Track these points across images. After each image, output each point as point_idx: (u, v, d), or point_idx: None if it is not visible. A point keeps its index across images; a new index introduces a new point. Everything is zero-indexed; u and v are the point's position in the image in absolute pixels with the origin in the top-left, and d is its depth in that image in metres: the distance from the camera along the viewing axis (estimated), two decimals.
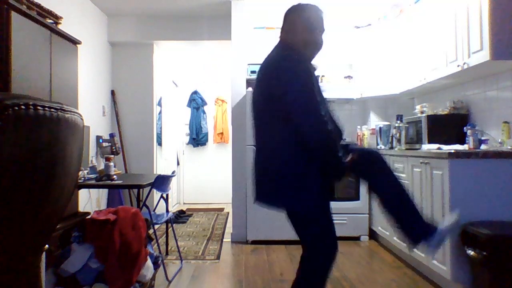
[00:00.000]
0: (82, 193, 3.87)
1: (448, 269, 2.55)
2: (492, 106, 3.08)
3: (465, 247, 2.39)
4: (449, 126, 3.32)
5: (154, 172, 5.05)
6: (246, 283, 2.95)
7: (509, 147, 2.76)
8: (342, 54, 4.56)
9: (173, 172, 3.96)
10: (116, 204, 4.46)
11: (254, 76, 4.44)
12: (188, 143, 7.21)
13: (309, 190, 1.81)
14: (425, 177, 2.87)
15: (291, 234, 4.41)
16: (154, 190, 3.09)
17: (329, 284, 2.89)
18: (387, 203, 1.94)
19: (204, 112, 7.22)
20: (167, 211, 3.54)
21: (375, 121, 4.69)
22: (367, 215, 4.16)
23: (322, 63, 4.21)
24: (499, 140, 2.89)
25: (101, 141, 4.50)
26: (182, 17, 4.94)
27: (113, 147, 4.64)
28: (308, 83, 1.75)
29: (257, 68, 4.60)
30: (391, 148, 4.03)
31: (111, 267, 2.25)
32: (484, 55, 2.63)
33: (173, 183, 5.70)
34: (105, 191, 4.69)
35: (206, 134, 7.18)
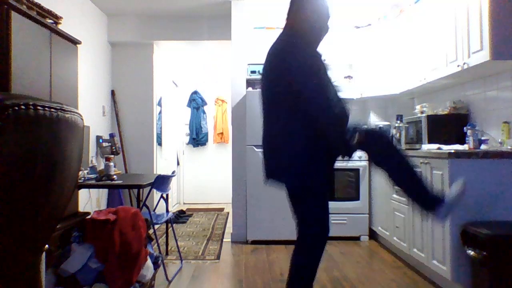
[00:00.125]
0: (82, 193, 3.87)
1: (448, 269, 2.55)
2: (492, 106, 3.08)
3: (465, 247, 2.39)
4: (449, 126, 3.32)
5: (154, 172, 5.05)
6: (246, 283, 2.95)
7: (509, 147, 2.76)
8: (342, 54, 4.56)
9: (173, 172, 3.96)
10: (116, 204, 4.46)
11: (254, 76, 4.45)
12: (188, 143, 7.21)
13: (314, 168, 1.90)
14: (425, 177, 2.87)
15: (291, 234, 4.41)
16: (154, 190, 3.09)
17: (329, 284, 2.89)
18: (393, 178, 2.01)
19: (204, 112, 7.22)
20: (167, 211, 3.54)
21: (375, 121, 4.69)
22: (367, 215, 4.16)
23: None
24: (499, 140, 2.89)
25: (101, 141, 4.50)
26: (182, 17, 4.94)
27: (113, 147, 4.64)
28: (314, 67, 1.83)
29: (257, 68, 4.65)
30: None
31: (111, 267, 2.25)
32: (484, 55, 2.63)
33: (173, 183, 5.71)
34: (105, 191, 4.69)
35: (206, 134, 7.19)
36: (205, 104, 7.22)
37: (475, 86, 3.30)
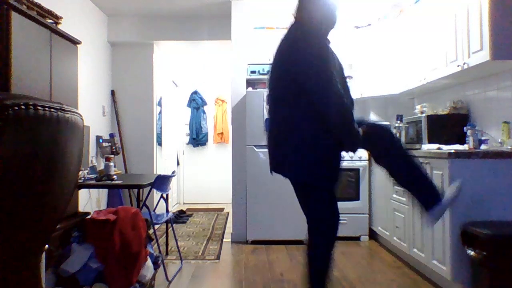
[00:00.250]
0: (82, 193, 3.87)
1: (448, 269, 2.55)
2: (492, 106, 3.08)
3: (465, 247, 2.39)
4: (449, 126, 3.32)
5: (154, 172, 5.05)
6: (246, 283, 2.95)
7: (509, 147, 2.76)
8: (342, 54, 4.54)
9: (173, 172, 3.96)
10: (116, 204, 4.46)
11: (254, 76, 4.45)
12: (188, 143, 7.21)
13: (323, 162, 1.91)
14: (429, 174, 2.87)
15: (291, 234, 4.41)
16: (154, 190, 3.09)
17: (329, 284, 2.88)
18: (394, 173, 2.02)
19: (204, 112, 7.22)
20: (167, 211, 3.54)
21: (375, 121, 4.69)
22: (367, 215, 4.16)
23: None
24: (499, 140, 2.89)
25: (101, 141, 4.50)
26: (182, 17, 4.94)
27: (113, 147, 4.64)
28: (324, 60, 1.83)
29: (257, 68, 4.65)
30: None
31: (111, 267, 2.25)
32: (484, 55, 2.63)
33: (173, 183, 5.71)
34: (105, 191, 4.69)
35: (206, 134, 7.19)
36: (205, 104, 7.22)
37: (475, 86, 3.29)
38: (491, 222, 2.43)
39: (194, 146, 7.20)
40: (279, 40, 2.03)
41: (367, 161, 4.18)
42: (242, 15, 4.45)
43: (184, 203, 7.09)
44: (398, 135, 3.88)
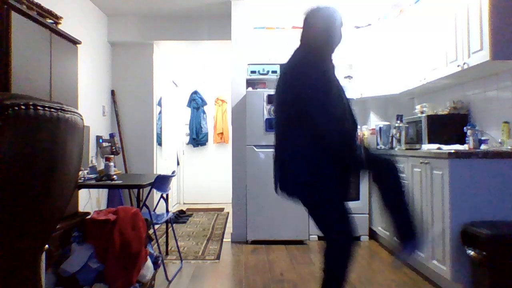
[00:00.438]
0: (82, 193, 3.87)
1: (448, 269, 2.55)
2: (492, 106, 3.08)
3: (465, 247, 2.39)
4: (449, 126, 3.32)
5: (154, 172, 5.05)
6: (246, 283, 2.95)
7: (509, 147, 2.76)
8: (342, 54, 4.55)
9: (173, 172, 3.96)
10: (116, 204, 4.46)
11: (254, 76, 4.46)
12: (188, 143, 7.21)
13: (324, 183, 1.94)
14: (425, 177, 2.87)
15: (291, 234, 4.40)
16: (154, 190, 3.09)
17: None
18: (387, 206, 2.05)
19: (204, 112, 7.22)
20: (167, 211, 3.54)
21: (375, 121, 4.69)
22: (367, 215, 4.16)
23: None
24: (499, 140, 2.88)
25: (101, 141, 4.50)
26: (182, 17, 4.94)
27: (113, 147, 4.64)
28: (322, 86, 1.88)
29: (257, 68, 4.66)
30: (391, 148, 4.04)
31: (111, 267, 2.25)
32: (484, 55, 2.63)
33: (173, 183, 5.71)
34: (105, 191, 4.69)
35: (206, 134, 7.19)
36: (205, 104, 7.22)
37: (475, 86, 3.29)
38: (491, 222, 2.43)
39: (194, 146, 7.19)
40: (285, 64, 2.08)
41: None
42: (242, 15, 4.45)
43: (184, 203, 7.09)
44: (398, 135, 3.88)
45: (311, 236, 4.15)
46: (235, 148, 4.41)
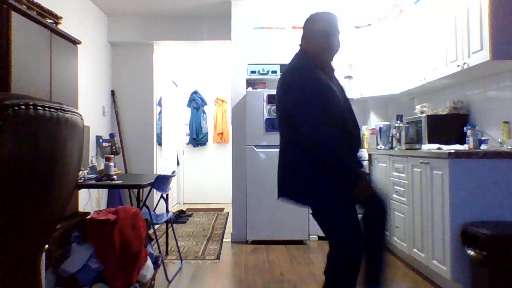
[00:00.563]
0: (82, 193, 3.87)
1: (448, 269, 2.55)
2: (492, 106, 3.08)
3: (465, 247, 2.39)
4: (449, 126, 3.32)
5: (154, 172, 5.05)
6: (246, 283, 2.95)
7: (509, 147, 2.76)
8: (342, 54, 4.54)
9: (173, 172, 3.96)
10: (116, 204, 4.46)
11: (254, 76, 4.46)
12: (188, 143, 7.21)
13: (320, 190, 1.92)
14: (425, 177, 2.87)
15: (291, 234, 4.40)
16: (154, 190, 3.09)
17: None
18: (369, 248, 2.01)
19: (204, 112, 7.22)
20: (167, 211, 3.54)
21: (375, 121, 4.69)
22: None
23: None
24: (499, 140, 2.89)
25: (101, 141, 4.50)
26: (182, 17, 4.94)
27: (113, 147, 4.64)
28: (312, 95, 1.86)
29: (257, 68, 4.65)
30: (391, 148, 4.04)
31: (111, 267, 2.25)
32: (484, 55, 2.63)
33: (173, 183, 5.70)
34: (105, 191, 4.69)
35: (206, 134, 7.18)
36: (205, 104, 7.22)
37: (475, 86, 3.29)
38: (491, 222, 2.43)
39: (194, 146, 7.19)
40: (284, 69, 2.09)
41: (367, 161, 4.18)
42: (242, 15, 4.45)
43: (184, 203, 7.09)
44: (398, 135, 3.88)
45: (311, 236, 4.15)
46: (235, 148, 4.41)
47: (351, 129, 2.00)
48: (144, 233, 2.50)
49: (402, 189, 3.30)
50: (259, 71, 4.43)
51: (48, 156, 0.74)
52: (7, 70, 2.34)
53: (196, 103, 7.16)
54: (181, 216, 5.57)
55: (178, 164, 6.96)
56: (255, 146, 4.17)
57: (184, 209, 6.22)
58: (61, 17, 3.07)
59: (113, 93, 5.03)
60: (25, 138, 0.66)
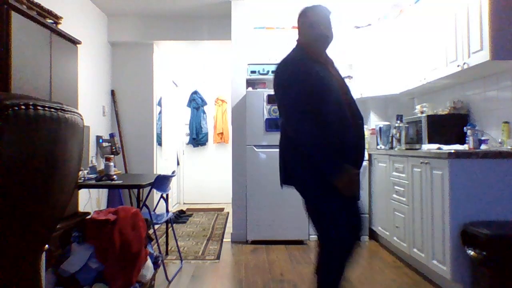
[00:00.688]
0: (82, 193, 3.87)
1: (448, 269, 2.55)
2: (492, 106, 3.08)
3: (465, 247, 2.39)
4: (449, 126, 3.32)
5: (154, 172, 5.05)
6: (246, 283, 2.95)
7: (509, 147, 2.76)
8: (342, 54, 4.56)
9: (173, 172, 3.96)
10: (116, 204, 4.46)
11: (254, 76, 4.46)
12: (188, 143, 7.21)
13: (303, 178, 1.93)
14: (425, 177, 2.87)
15: (291, 234, 4.40)
16: (154, 190, 3.09)
17: None
18: (322, 261, 1.99)
19: (204, 112, 7.22)
20: (167, 211, 3.54)
21: (375, 121, 4.69)
22: (367, 215, 4.16)
23: None
24: (499, 140, 2.89)
25: (101, 141, 4.50)
26: (182, 17, 4.94)
27: (113, 147, 4.64)
28: (292, 82, 1.89)
29: (257, 68, 4.66)
30: (391, 148, 4.04)
31: (111, 267, 2.25)
32: (484, 55, 2.63)
33: (173, 183, 5.71)
34: (105, 191, 4.69)
35: (206, 134, 7.18)
36: (205, 104, 7.22)
37: (475, 86, 3.30)
38: (491, 222, 2.43)
39: (194, 146, 7.19)
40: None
41: (367, 161, 4.18)
42: (242, 15, 4.45)
43: (184, 203, 7.09)
44: (398, 135, 3.88)
45: (311, 236, 4.15)
46: (235, 148, 4.41)
47: (349, 119, 1.93)
48: (144, 233, 2.50)
49: (402, 189, 3.30)
50: (259, 71, 4.43)
51: (48, 156, 0.74)
52: (7, 70, 2.34)
53: (196, 103, 7.16)
54: (181, 216, 5.57)
55: (178, 164, 6.96)
56: (255, 146, 4.17)
57: (184, 209, 6.23)
58: (61, 17, 3.07)
59: (113, 93, 5.03)
60: (25, 138, 0.66)
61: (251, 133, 4.18)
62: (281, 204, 4.05)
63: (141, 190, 3.03)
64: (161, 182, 3.10)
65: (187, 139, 7.20)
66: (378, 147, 4.27)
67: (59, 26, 3.04)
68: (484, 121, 3.16)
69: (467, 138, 3.03)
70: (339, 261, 1.93)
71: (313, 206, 2.00)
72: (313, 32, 2.01)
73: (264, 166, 4.11)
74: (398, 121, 3.89)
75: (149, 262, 2.51)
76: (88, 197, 4.18)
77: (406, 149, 3.66)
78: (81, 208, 3.73)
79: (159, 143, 5.44)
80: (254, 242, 4.14)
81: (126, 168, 4.95)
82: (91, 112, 4.40)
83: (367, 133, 4.58)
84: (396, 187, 3.43)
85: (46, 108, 0.70)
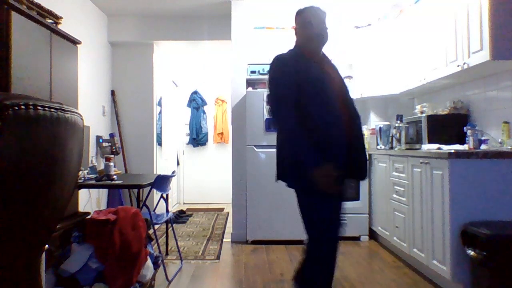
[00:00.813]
0: (82, 193, 3.87)
1: (448, 269, 2.55)
2: (492, 106, 3.08)
3: (465, 247, 2.39)
4: (449, 126, 3.32)
5: (154, 172, 5.05)
6: (246, 283, 2.95)
7: (509, 147, 2.76)
8: (342, 54, 4.56)
9: (173, 172, 3.96)
10: (116, 204, 4.46)
11: (254, 76, 4.45)
12: (188, 143, 7.21)
13: (295, 178, 1.95)
14: (425, 177, 2.87)
15: (291, 234, 4.41)
16: (154, 190, 3.09)
17: None
18: (305, 265, 1.99)
19: (204, 112, 7.22)
20: (167, 211, 3.54)
21: (375, 121, 4.69)
22: (367, 215, 4.16)
23: None
24: (499, 140, 2.89)
25: (101, 141, 4.50)
26: (182, 17, 4.94)
27: (113, 147, 4.64)
28: (288, 85, 1.92)
29: (257, 68, 4.66)
30: (391, 148, 4.04)
31: (111, 267, 2.25)
32: (484, 55, 2.63)
33: (173, 183, 5.71)
34: (105, 191, 4.69)
35: (206, 134, 7.18)
36: (205, 104, 7.22)
37: (475, 86, 3.30)
38: (491, 222, 2.43)
39: (194, 146, 7.19)
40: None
41: (367, 161, 4.17)
42: (242, 15, 4.45)
43: (184, 203, 7.09)
44: (398, 135, 3.88)
45: None
46: (235, 148, 4.41)
47: (339, 118, 1.92)
48: (144, 233, 2.50)
49: (402, 189, 3.30)
50: (259, 71, 4.43)
51: (48, 156, 0.74)
52: (7, 70, 2.34)
53: (196, 103, 7.16)
54: (181, 216, 5.57)
55: (178, 164, 6.96)
56: (255, 146, 4.17)
57: (184, 209, 6.22)
58: (61, 17, 3.07)
59: (113, 93, 5.03)
60: (25, 138, 0.66)
61: (251, 133, 4.18)
62: (281, 204, 4.05)
63: (141, 190, 3.03)
64: (161, 182, 3.10)
65: (187, 139, 7.20)
66: (378, 147, 4.27)
67: (59, 26, 3.04)
68: (484, 121, 3.16)
69: (467, 138, 3.03)
70: (325, 261, 1.93)
71: (298, 202, 2.02)
72: (307, 31, 2.04)
73: (264, 166, 4.11)
74: (398, 121, 3.89)
75: (149, 262, 2.52)
76: (88, 197, 4.18)
77: (406, 149, 3.66)
78: (81, 208, 3.73)
79: (159, 143, 5.44)
80: (254, 242, 4.14)
81: (126, 168, 4.96)
82: (91, 112, 4.40)
83: (367, 133, 4.58)
84: (396, 187, 3.43)
85: (46, 108, 0.70)
